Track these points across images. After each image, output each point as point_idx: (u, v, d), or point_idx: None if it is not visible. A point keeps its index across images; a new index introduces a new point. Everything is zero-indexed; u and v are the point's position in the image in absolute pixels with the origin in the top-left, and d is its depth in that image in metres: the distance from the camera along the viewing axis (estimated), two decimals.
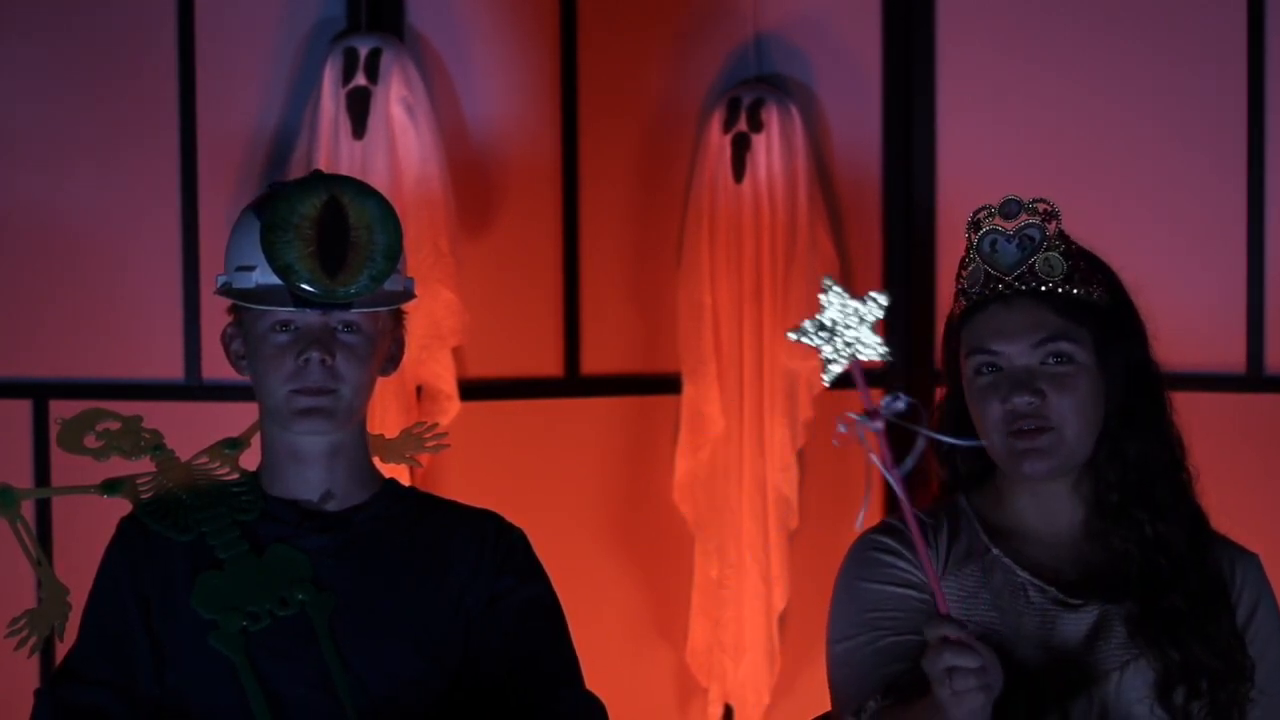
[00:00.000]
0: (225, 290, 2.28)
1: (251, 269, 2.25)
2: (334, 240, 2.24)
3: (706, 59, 4.30)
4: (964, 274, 2.26)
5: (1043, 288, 2.20)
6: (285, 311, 2.24)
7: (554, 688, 2.28)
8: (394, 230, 2.28)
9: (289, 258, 2.22)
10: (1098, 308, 2.22)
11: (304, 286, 2.22)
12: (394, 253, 2.28)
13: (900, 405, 1.90)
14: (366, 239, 2.26)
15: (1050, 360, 2.20)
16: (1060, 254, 2.22)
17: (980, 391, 2.21)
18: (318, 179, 2.30)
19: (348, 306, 2.25)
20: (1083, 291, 2.22)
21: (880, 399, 1.90)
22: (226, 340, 2.34)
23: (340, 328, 2.26)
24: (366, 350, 2.28)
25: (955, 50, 4.31)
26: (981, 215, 2.25)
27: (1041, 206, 2.23)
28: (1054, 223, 2.23)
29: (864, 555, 2.27)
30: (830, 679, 2.26)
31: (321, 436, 2.29)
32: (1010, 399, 2.18)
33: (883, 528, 2.29)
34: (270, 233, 2.22)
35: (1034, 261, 2.21)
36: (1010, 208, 2.24)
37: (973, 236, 2.25)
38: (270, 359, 2.26)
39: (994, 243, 2.23)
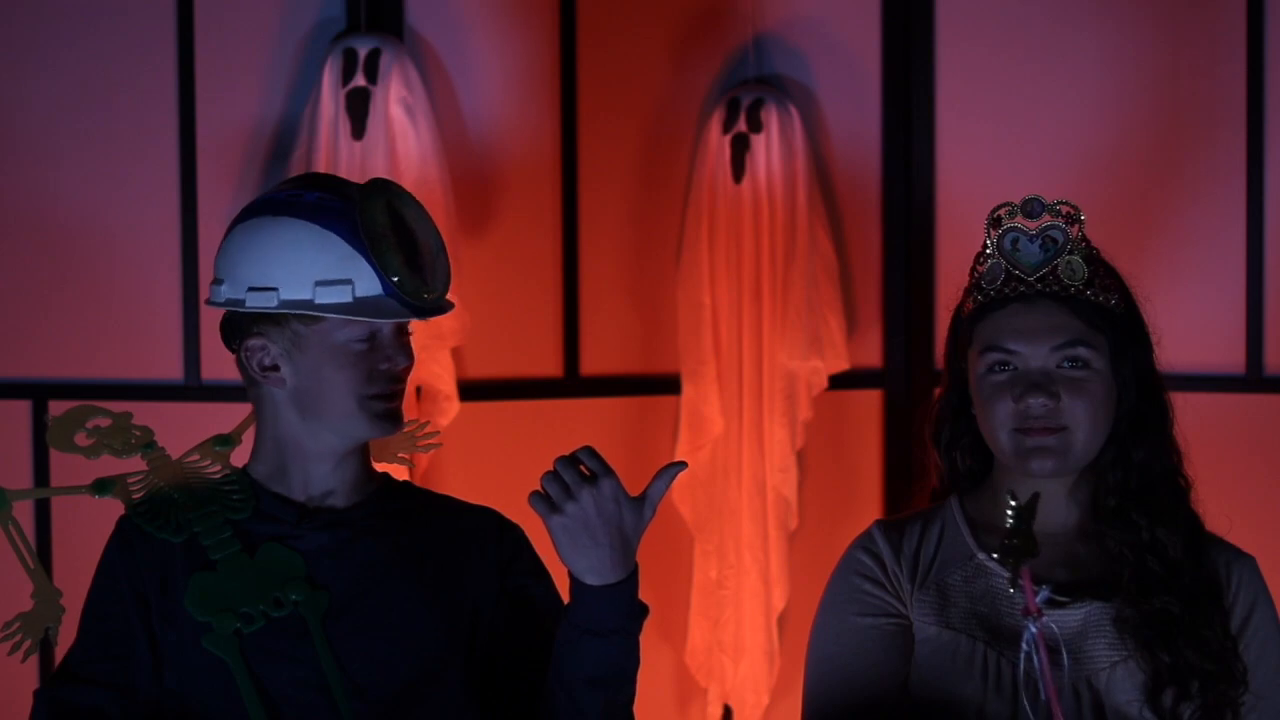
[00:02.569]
0: (305, 306, 2.20)
1: (346, 282, 2.20)
2: (411, 246, 2.24)
3: (706, 59, 4.30)
4: (980, 269, 2.25)
5: (1065, 291, 2.20)
6: (385, 322, 2.22)
7: None
8: (436, 227, 2.29)
9: (396, 267, 2.20)
10: (1114, 314, 2.22)
11: (411, 295, 2.21)
12: (446, 250, 2.28)
13: (1046, 594, 2.10)
14: (431, 241, 2.26)
15: (1066, 364, 2.19)
16: (1082, 258, 2.21)
17: (992, 389, 2.21)
18: (371, 186, 2.26)
19: (439, 310, 2.26)
20: (1102, 298, 2.21)
21: (1035, 600, 2.08)
22: (250, 354, 2.25)
23: (400, 331, 2.27)
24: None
25: (955, 50, 4.31)
26: (1002, 212, 2.24)
27: (1065, 209, 2.22)
28: (1076, 226, 2.22)
29: (848, 582, 2.29)
30: (804, 695, 2.33)
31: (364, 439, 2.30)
32: (1025, 399, 2.17)
33: (867, 544, 2.30)
34: (377, 244, 2.19)
35: (1057, 264, 2.20)
36: (1033, 207, 2.23)
37: (992, 233, 2.24)
38: (350, 367, 2.23)
39: (1015, 241, 2.22)
